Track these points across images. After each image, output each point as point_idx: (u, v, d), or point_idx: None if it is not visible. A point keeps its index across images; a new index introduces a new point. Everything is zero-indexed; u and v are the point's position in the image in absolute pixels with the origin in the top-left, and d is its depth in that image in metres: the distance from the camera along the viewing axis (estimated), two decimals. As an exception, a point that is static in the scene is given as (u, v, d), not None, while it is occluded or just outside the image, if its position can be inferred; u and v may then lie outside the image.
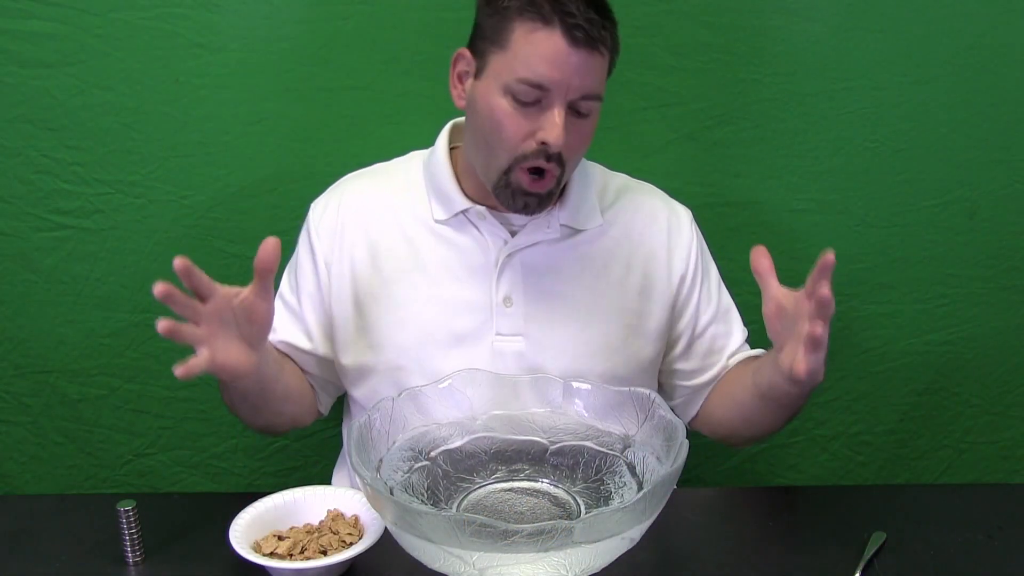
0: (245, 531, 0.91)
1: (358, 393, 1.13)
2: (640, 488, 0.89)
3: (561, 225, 1.09)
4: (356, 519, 0.95)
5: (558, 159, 0.99)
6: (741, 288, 1.32)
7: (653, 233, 1.14)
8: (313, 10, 1.27)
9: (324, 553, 0.90)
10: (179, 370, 0.85)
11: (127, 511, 0.92)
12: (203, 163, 1.31)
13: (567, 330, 1.09)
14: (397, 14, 1.27)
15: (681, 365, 1.17)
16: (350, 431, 0.89)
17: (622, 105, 1.30)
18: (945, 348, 1.47)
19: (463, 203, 1.08)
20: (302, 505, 0.97)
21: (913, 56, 1.33)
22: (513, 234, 1.09)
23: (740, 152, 1.36)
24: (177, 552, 0.96)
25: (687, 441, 0.85)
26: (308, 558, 0.89)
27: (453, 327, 1.08)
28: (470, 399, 0.99)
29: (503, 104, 0.98)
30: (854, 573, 0.92)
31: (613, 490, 0.92)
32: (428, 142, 1.16)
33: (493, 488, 0.94)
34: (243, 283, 1.37)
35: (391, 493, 0.85)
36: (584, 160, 1.13)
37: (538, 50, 0.95)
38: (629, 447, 0.94)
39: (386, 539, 0.87)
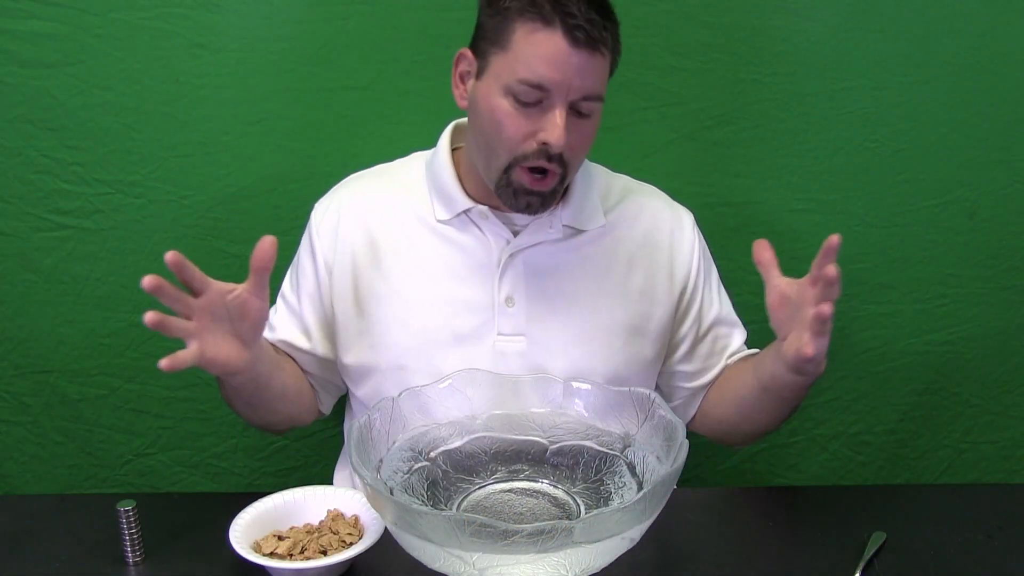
0: (245, 531, 0.91)
1: (361, 392, 1.13)
2: (640, 488, 0.89)
3: (564, 225, 1.09)
4: (356, 519, 0.95)
5: (559, 160, 0.99)
6: (741, 288, 1.32)
7: (655, 235, 1.14)
8: (313, 10, 1.27)
9: (324, 553, 0.90)
10: (164, 362, 0.83)
11: (127, 511, 0.92)
12: (203, 163, 1.31)
13: (569, 330, 1.09)
14: (397, 14, 1.27)
15: (683, 367, 1.17)
16: (350, 431, 0.89)
17: (622, 105, 1.30)
18: (945, 348, 1.47)
19: (465, 203, 1.08)
20: (302, 505, 0.97)
21: (913, 56, 1.33)
22: (515, 234, 1.09)
23: (740, 152, 1.36)
24: (177, 552, 0.96)
25: (687, 441, 0.85)
26: (308, 558, 0.89)
27: (455, 327, 1.08)
28: (470, 399, 0.99)
29: (504, 105, 0.98)
30: (854, 573, 0.92)
31: (613, 490, 0.92)
32: (428, 142, 1.16)
33: (493, 489, 0.94)
34: (242, 283, 1.38)
35: (391, 493, 0.85)
36: (587, 161, 1.13)
37: (539, 51, 0.95)
38: (629, 447, 0.94)
39: (386, 539, 0.87)
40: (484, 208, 1.08)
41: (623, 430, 0.96)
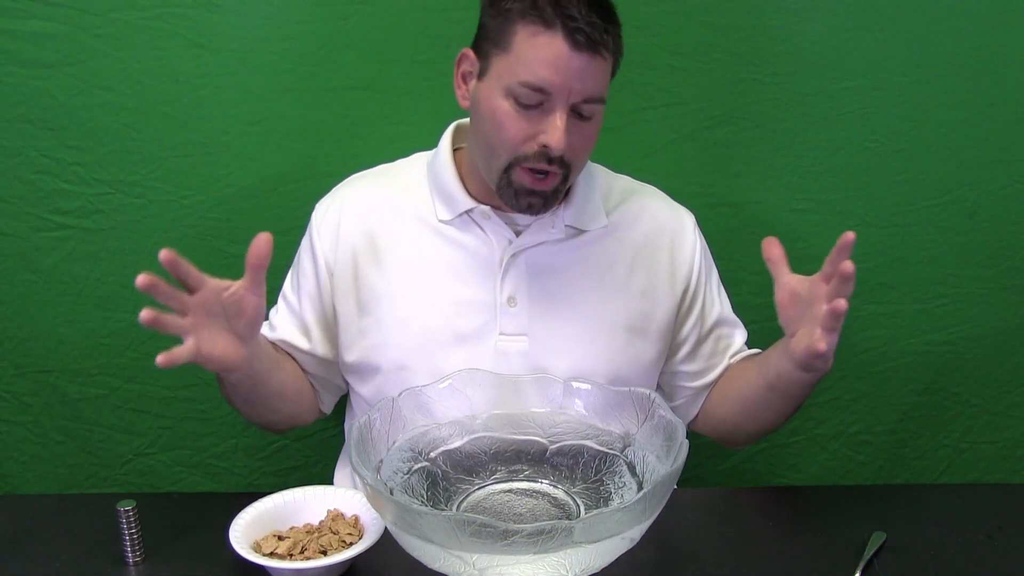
0: (245, 531, 0.91)
1: (362, 392, 1.13)
2: (640, 488, 0.89)
3: (566, 226, 1.10)
4: (356, 519, 0.95)
5: (560, 162, 0.99)
6: (741, 288, 1.32)
7: (657, 236, 1.14)
8: (313, 10, 1.27)
9: (324, 553, 0.90)
10: (161, 358, 0.83)
11: (127, 511, 0.92)
12: (203, 163, 1.31)
13: (570, 330, 1.09)
14: (397, 14, 1.27)
15: (686, 367, 1.17)
16: (350, 431, 0.89)
17: (622, 105, 1.30)
18: (945, 348, 1.47)
19: (467, 203, 1.08)
20: (302, 505, 0.97)
21: (913, 56, 1.33)
22: (518, 234, 1.09)
23: (740, 152, 1.36)
24: (177, 552, 0.96)
25: (687, 441, 0.85)
26: (308, 558, 0.89)
27: (457, 327, 1.08)
28: (470, 399, 0.99)
29: (505, 106, 0.98)
30: (854, 573, 0.93)
31: (613, 490, 0.92)
32: (428, 142, 1.16)
33: (493, 489, 0.94)
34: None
35: (391, 493, 0.86)
36: (589, 162, 1.13)
37: (540, 53, 0.95)
38: (629, 447, 0.94)
39: (386, 539, 0.87)
40: (486, 208, 1.08)
41: (623, 430, 0.96)
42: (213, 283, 0.88)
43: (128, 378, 1.39)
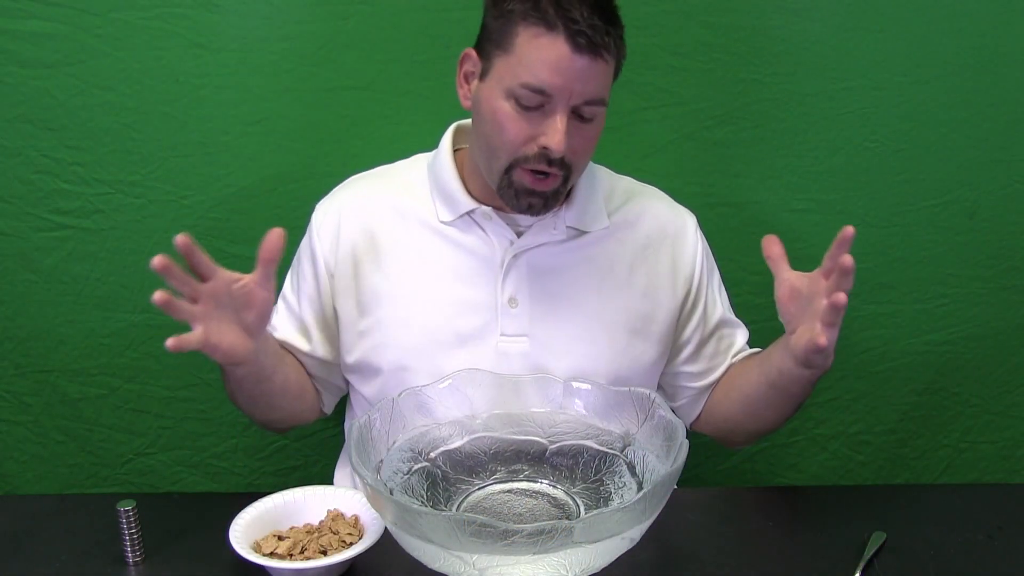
0: (245, 531, 0.91)
1: (364, 392, 1.13)
2: (640, 488, 0.89)
3: (567, 227, 1.10)
4: (356, 519, 0.95)
5: (560, 163, 0.99)
6: (741, 288, 1.32)
7: (658, 237, 1.14)
8: (313, 10, 1.27)
9: (324, 553, 0.90)
10: (171, 341, 0.84)
11: (127, 511, 0.92)
12: (203, 163, 1.31)
13: (572, 331, 1.09)
14: (397, 14, 1.27)
15: (688, 367, 1.17)
16: (350, 431, 0.89)
17: (622, 105, 1.30)
18: (945, 348, 1.47)
19: (469, 204, 1.08)
20: (302, 505, 0.97)
21: (913, 56, 1.33)
22: (519, 235, 1.09)
23: (740, 152, 1.36)
24: (177, 552, 0.96)
25: (687, 441, 0.85)
26: (308, 558, 0.89)
27: (458, 327, 1.08)
28: (470, 399, 0.99)
29: (506, 107, 0.98)
30: (854, 573, 0.93)
31: (613, 490, 0.92)
32: (428, 142, 1.16)
33: (493, 489, 0.94)
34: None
35: (391, 494, 0.86)
36: (590, 163, 1.13)
37: (541, 56, 0.95)
38: (629, 446, 0.94)
39: (386, 539, 0.87)
40: (488, 209, 1.08)
41: (623, 430, 0.96)
42: (224, 274, 0.89)
43: (128, 378, 1.39)
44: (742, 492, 1.29)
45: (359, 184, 1.16)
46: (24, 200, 1.30)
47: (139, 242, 1.33)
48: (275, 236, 0.90)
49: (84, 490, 1.43)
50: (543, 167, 0.99)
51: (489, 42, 1.00)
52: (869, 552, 0.95)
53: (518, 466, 0.96)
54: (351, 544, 0.90)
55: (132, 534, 0.93)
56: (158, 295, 0.83)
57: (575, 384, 0.99)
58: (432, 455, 0.95)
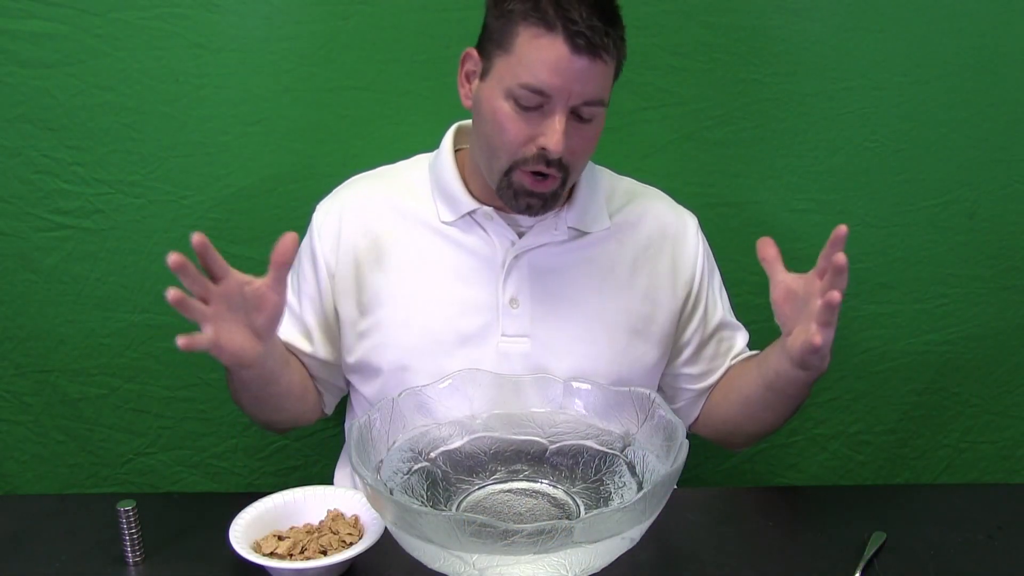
0: (245, 531, 0.91)
1: (365, 392, 1.13)
2: (640, 488, 0.89)
3: (568, 227, 1.10)
4: (356, 519, 0.95)
5: (559, 164, 0.99)
6: (741, 288, 1.32)
7: (659, 238, 1.14)
8: (313, 10, 1.27)
9: (324, 553, 0.90)
10: (182, 340, 0.84)
11: (127, 511, 0.92)
12: (203, 163, 1.31)
13: (573, 332, 1.09)
14: (397, 14, 1.27)
15: (688, 369, 1.17)
16: (350, 431, 0.89)
17: (622, 105, 1.30)
18: (945, 348, 1.47)
19: (470, 204, 1.08)
20: (302, 505, 0.97)
21: (913, 56, 1.33)
22: (520, 235, 1.09)
23: (740, 152, 1.36)
24: (177, 552, 0.96)
25: (687, 441, 0.85)
26: (308, 558, 0.89)
27: (459, 328, 1.08)
28: (470, 399, 0.99)
29: (505, 108, 0.98)
30: (854, 573, 0.93)
31: (613, 490, 0.92)
32: (429, 142, 1.16)
33: (492, 489, 0.94)
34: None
35: (391, 494, 0.86)
36: (592, 163, 1.13)
37: (540, 56, 0.95)
38: (629, 446, 0.94)
39: (386, 539, 0.87)
40: (489, 209, 1.08)
41: (623, 430, 0.96)
42: (236, 276, 0.89)
43: (128, 378, 1.39)
44: (742, 492, 1.29)
45: (360, 184, 1.16)
46: (24, 200, 1.30)
47: (139, 242, 1.33)
48: (288, 240, 0.90)
49: (84, 490, 1.43)
50: (541, 168, 0.99)
51: (490, 42, 1.00)
52: (869, 552, 0.95)
53: (518, 466, 0.96)
54: (351, 544, 0.90)
55: (132, 534, 0.93)
56: (172, 293, 0.83)
57: (575, 384, 0.99)
58: (432, 455, 0.95)
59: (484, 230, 1.09)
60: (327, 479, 1.29)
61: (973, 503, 1.06)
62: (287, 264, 0.91)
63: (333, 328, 1.13)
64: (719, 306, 1.18)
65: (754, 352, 1.19)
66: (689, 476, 1.46)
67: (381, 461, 0.90)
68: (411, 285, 1.09)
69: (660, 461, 0.89)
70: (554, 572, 0.77)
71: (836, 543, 0.98)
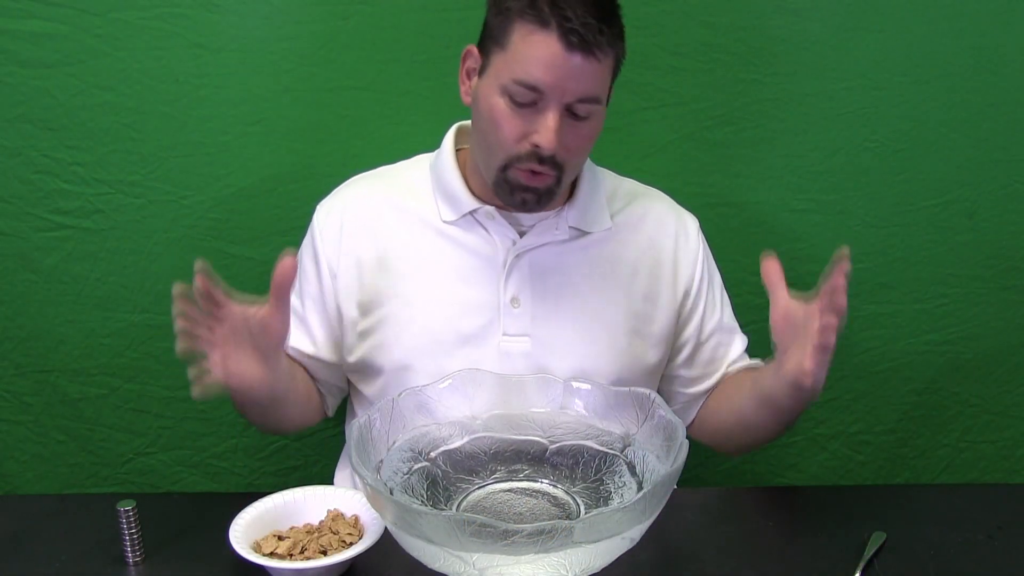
0: (245, 531, 0.91)
1: (366, 392, 1.13)
2: (640, 488, 0.89)
3: (570, 227, 1.10)
4: (356, 519, 0.95)
5: (552, 162, 0.99)
6: (742, 288, 1.32)
7: (660, 239, 1.14)
8: (313, 10, 1.27)
9: (324, 553, 0.90)
10: (196, 391, 0.87)
11: (127, 511, 0.92)
12: (203, 163, 1.31)
13: (574, 331, 1.09)
14: (397, 14, 1.27)
15: (683, 372, 1.17)
16: (350, 431, 0.89)
17: (622, 105, 1.30)
18: (945, 348, 1.47)
19: (472, 203, 1.08)
20: (302, 505, 0.97)
21: (913, 56, 1.33)
22: (522, 234, 1.09)
23: (740, 152, 1.36)
24: (177, 552, 0.96)
25: (687, 441, 0.85)
26: (308, 558, 0.89)
27: (460, 327, 1.08)
28: (470, 399, 0.99)
29: (500, 104, 0.98)
30: (854, 573, 0.92)
31: (613, 490, 0.92)
32: (429, 142, 1.16)
33: (492, 488, 0.94)
34: (243, 283, 1.37)
35: (391, 493, 0.85)
36: (593, 164, 1.14)
37: (534, 52, 0.95)
38: (629, 446, 0.94)
39: (386, 539, 0.87)
40: (491, 208, 1.08)
41: (623, 430, 0.96)
42: (238, 310, 0.90)
43: (128, 378, 1.39)
44: (742, 492, 1.29)
45: (361, 184, 1.16)
46: (24, 200, 1.30)
47: (139, 242, 1.33)
48: (287, 264, 0.90)
49: (84, 490, 1.43)
50: (534, 166, 0.99)
51: (489, 39, 1.01)
52: (869, 552, 0.95)
53: (518, 466, 0.96)
54: (351, 544, 0.90)
55: (132, 534, 0.93)
56: (180, 348, 0.87)
57: (575, 384, 0.99)
58: (432, 455, 0.95)
59: (485, 229, 1.09)
60: (327, 479, 1.29)
61: (973, 503, 1.06)
62: (287, 288, 0.91)
63: (336, 329, 1.13)
64: (717, 310, 1.17)
65: (753, 361, 1.18)
66: (689, 476, 1.46)
67: (381, 461, 0.90)
68: (412, 285, 1.09)
69: (660, 461, 0.89)
70: (554, 572, 0.77)
71: (836, 543, 0.98)
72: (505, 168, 1.01)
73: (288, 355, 1.12)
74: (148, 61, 1.26)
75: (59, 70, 1.25)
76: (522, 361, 1.07)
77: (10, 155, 1.29)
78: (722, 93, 1.33)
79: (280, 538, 0.92)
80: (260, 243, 1.34)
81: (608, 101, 1.06)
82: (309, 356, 1.13)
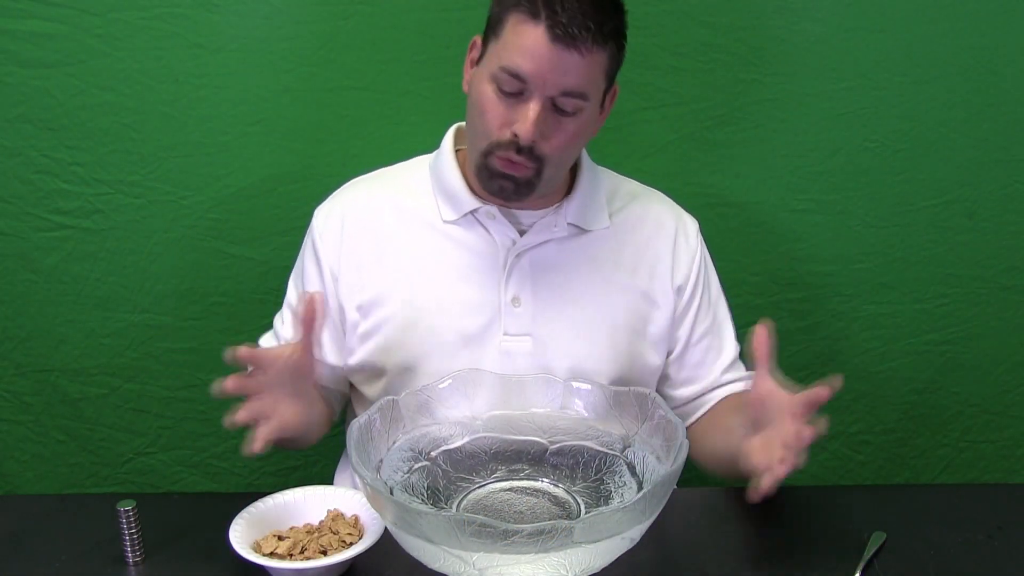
0: (245, 531, 0.91)
1: (370, 393, 1.13)
2: (640, 488, 0.89)
3: (568, 224, 1.10)
4: (356, 519, 0.95)
5: (530, 153, 0.99)
6: (741, 289, 1.32)
7: (659, 240, 1.14)
8: (313, 10, 1.27)
9: (324, 553, 0.89)
10: (257, 446, 0.92)
11: (127, 511, 0.92)
12: (203, 163, 1.31)
13: (574, 330, 1.09)
14: (397, 14, 1.27)
15: (672, 371, 1.17)
16: (350, 431, 0.89)
17: (622, 105, 1.29)
18: (945, 348, 1.47)
19: (472, 203, 1.08)
20: (302, 505, 0.97)
21: (913, 56, 1.33)
22: (522, 234, 1.09)
23: (740, 152, 1.36)
24: (177, 552, 0.96)
25: (687, 441, 0.85)
26: (308, 558, 0.89)
27: (461, 327, 1.08)
28: (471, 399, 0.99)
29: (488, 91, 1.00)
30: (854, 573, 0.92)
31: (613, 490, 0.92)
32: (429, 142, 1.16)
33: (493, 488, 0.94)
34: (243, 283, 1.38)
35: (391, 493, 0.86)
36: (594, 163, 1.14)
37: (520, 41, 0.96)
38: (629, 447, 0.94)
39: (386, 539, 0.87)
40: (492, 208, 1.08)
41: (623, 430, 0.96)
42: (277, 360, 0.93)
43: (128, 378, 1.39)
44: (742, 492, 1.29)
45: (360, 186, 1.16)
46: (24, 200, 1.30)
47: (139, 242, 1.33)
48: (314, 303, 0.93)
49: (84, 490, 1.43)
50: (511, 155, 1.00)
51: (489, 29, 1.02)
52: (869, 552, 0.95)
53: (518, 465, 0.96)
54: (351, 544, 0.90)
55: (132, 534, 0.93)
56: (230, 383, 0.92)
57: (575, 384, 0.99)
58: (433, 454, 0.95)
59: (485, 229, 1.09)
60: (327, 479, 1.29)
61: (973, 503, 1.06)
62: (311, 324, 0.93)
63: (339, 331, 1.13)
64: (710, 315, 1.17)
65: (745, 387, 1.16)
66: (689, 476, 1.46)
67: (381, 460, 0.90)
68: (414, 286, 1.09)
69: (660, 461, 0.89)
70: (554, 572, 0.77)
71: (836, 543, 0.98)
72: (487, 154, 1.02)
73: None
74: (148, 61, 1.26)
75: (59, 70, 1.25)
76: (523, 361, 1.07)
77: (10, 155, 1.29)
78: (722, 93, 1.33)
79: (280, 538, 0.92)
80: (260, 243, 1.34)
81: (609, 100, 1.06)
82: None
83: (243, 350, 0.90)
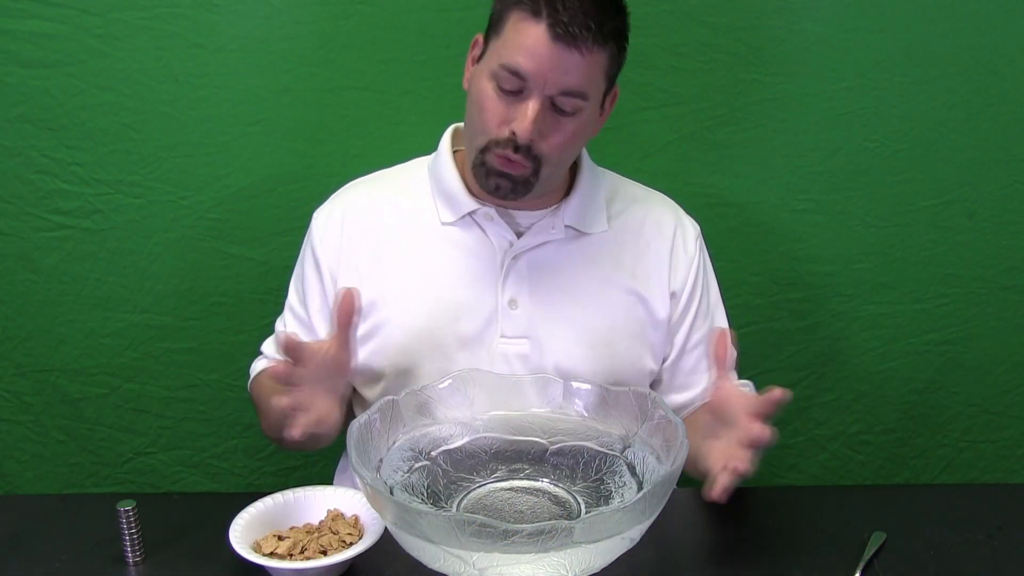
0: (245, 531, 0.91)
1: (368, 395, 1.13)
2: (640, 488, 0.89)
3: (566, 226, 1.10)
4: (356, 519, 0.95)
5: (527, 152, 1.00)
6: (742, 289, 1.32)
7: (658, 243, 1.14)
8: (313, 10, 1.27)
9: (324, 553, 0.89)
10: (296, 431, 0.90)
11: (127, 511, 0.92)
12: (203, 163, 1.31)
13: (571, 333, 1.09)
14: (397, 14, 1.27)
15: (666, 377, 1.16)
16: (350, 431, 0.89)
17: (622, 105, 1.29)
18: (945, 348, 1.47)
19: (471, 204, 1.08)
20: (302, 505, 0.97)
21: (913, 56, 1.33)
22: (519, 235, 1.09)
23: (740, 152, 1.36)
24: (177, 552, 0.96)
25: (687, 441, 0.85)
26: (308, 558, 0.89)
27: (459, 329, 1.08)
28: (471, 399, 0.99)
29: (488, 88, 1.00)
30: (854, 573, 0.93)
31: (613, 490, 0.92)
32: (428, 143, 1.16)
33: (493, 487, 0.94)
34: (243, 283, 1.38)
35: (391, 493, 0.86)
36: (595, 165, 1.13)
37: (521, 39, 0.97)
38: (629, 447, 0.94)
39: (386, 539, 0.87)
40: (490, 210, 1.08)
41: (623, 430, 0.96)
42: (312, 351, 0.91)
43: (128, 378, 1.39)
44: (742, 492, 1.29)
45: (359, 188, 1.16)
46: (24, 200, 1.30)
47: (139, 242, 1.33)
48: (349, 298, 0.91)
49: (84, 490, 1.43)
50: (508, 153, 1.00)
51: (490, 27, 1.02)
52: (869, 552, 0.95)
53: (518, 465, 0.96)
54: (351, 544, 0.90)
55: (132, 534, 0.93)
56: (285, 402, 0.89)
57: (575, 384, 0.99)
58: (433, 454, 0.95)
59: (483, 231, 1.09)
60: (327, 479, 1.29)
61: (973, 503, 1.06)
62: (348, 319, 0.92)
63: None
64: (708, 322, 1.16)
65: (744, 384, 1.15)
66: (689, 476, 1.46)
67: (381, 460, 0.90)
68: (412, 288, 1.09)
69: (660, 461, 0.89)
70: (554, 572, 0.77)
71: (836, 543, 0.98)
72: (485, 151, 1.02)
73: None
74: (148, 61, 1.26)
75: (59, 70, 1.25)
76: (520, 362, 1.07)
77: (10, 155, 1.29)
78: (722, 93, 1.33)
79: (280, 538, 0.92)
80: (260, 243, 1.34)
81: (610, 101, 1.06)
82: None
83: (290, 339, 0.89)
